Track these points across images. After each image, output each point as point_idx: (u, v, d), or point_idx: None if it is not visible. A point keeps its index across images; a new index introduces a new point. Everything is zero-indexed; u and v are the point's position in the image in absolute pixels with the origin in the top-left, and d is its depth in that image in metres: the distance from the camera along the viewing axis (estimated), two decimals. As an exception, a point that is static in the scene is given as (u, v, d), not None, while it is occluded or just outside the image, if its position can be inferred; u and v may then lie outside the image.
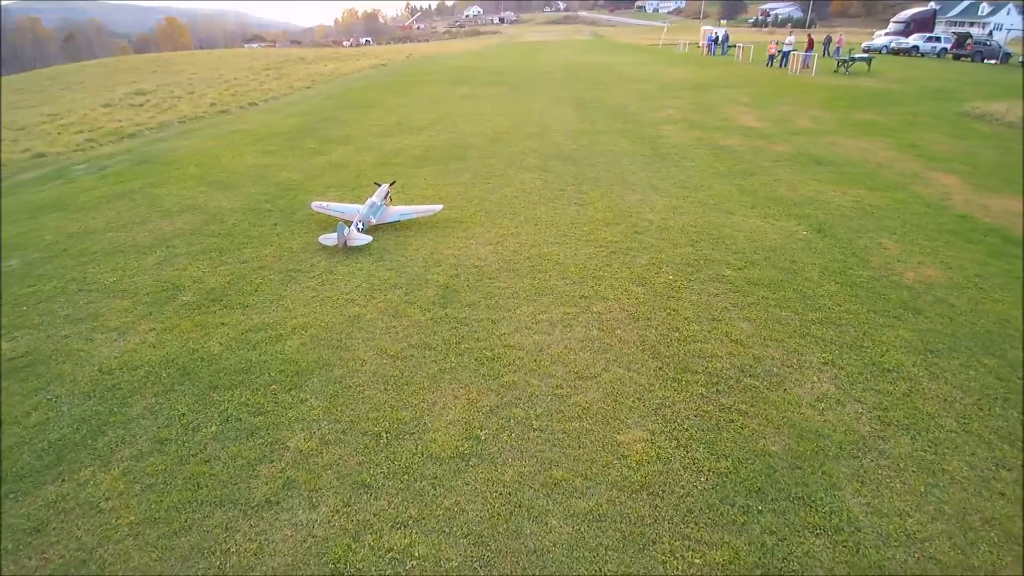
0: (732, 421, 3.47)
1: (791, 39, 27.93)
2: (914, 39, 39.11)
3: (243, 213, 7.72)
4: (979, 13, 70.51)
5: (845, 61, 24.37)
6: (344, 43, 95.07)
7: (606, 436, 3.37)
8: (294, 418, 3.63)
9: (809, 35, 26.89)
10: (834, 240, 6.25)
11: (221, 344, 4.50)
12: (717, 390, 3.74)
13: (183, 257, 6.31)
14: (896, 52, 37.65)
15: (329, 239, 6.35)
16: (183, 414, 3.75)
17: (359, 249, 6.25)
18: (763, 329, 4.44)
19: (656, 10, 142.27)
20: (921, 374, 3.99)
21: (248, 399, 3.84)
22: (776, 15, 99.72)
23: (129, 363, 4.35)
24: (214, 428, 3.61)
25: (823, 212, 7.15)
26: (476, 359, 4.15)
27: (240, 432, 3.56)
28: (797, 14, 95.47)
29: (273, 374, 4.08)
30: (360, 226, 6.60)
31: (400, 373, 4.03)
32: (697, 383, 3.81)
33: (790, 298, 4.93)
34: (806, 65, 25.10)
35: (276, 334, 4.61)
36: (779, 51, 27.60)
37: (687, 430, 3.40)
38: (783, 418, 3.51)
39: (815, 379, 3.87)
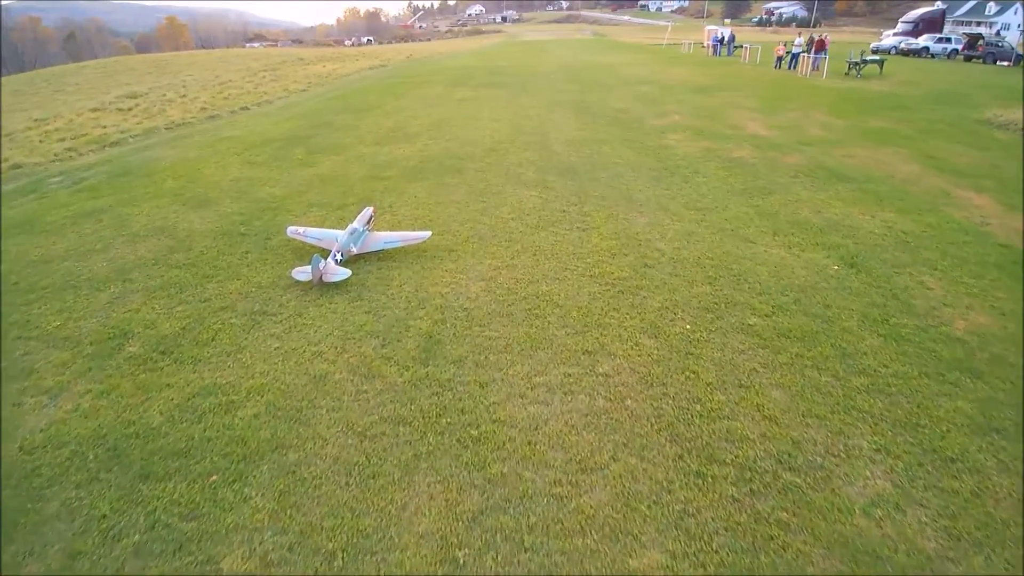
0: (772, 538, 2.79)
1: (800, 40, 27.17)
2: (924, 40, 38.28)
3: (214, 237, 7.06)
4: (986, 13, 69.47)
5: (857, 63, 23.60)
6: (346, 42, 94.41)
7: (615, 560, 2.70)
8: (233, 525, 2.97)
9: (822, 36, 26.10)
10: (869, 277, 5.56)
11: (162, 414, 3.84)
12: (751, 490, 3.07)
13: (139, 294, 5.65)
14: (906, 53, 36.82)
15: (303, 273, 5.62)
16: (104, 515, 3.09)
17: (336, 285, 5.59)
18: (800, 400, 3.76)
19: (659, 9, 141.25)
20: (989, 464, 3.31)
21: (182, 494, 3.18)
22: (780, 14, 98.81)
23: (55, 438, 3.69)
24: (137, 537, 2.95)
25: (852, 240, 6.46)
26: (458, 440, 3.49)
27: (166, 544, 2.90)
28: (801, 13, 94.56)
29: (216, 459, 3.42)
30: (339, 257, 5.93)
31: (367, 459, 3.37)
32: (726, 479, 3.13)
33: (828, 356, 4.25)
34: (815, 67, 24.33)
35: (227, 400, 3.95)
36: (788, 52, 26.84)
37: (716, 552, 2.73)
38: (833, 532, 2.84)
39: (867, 473, 3.19)
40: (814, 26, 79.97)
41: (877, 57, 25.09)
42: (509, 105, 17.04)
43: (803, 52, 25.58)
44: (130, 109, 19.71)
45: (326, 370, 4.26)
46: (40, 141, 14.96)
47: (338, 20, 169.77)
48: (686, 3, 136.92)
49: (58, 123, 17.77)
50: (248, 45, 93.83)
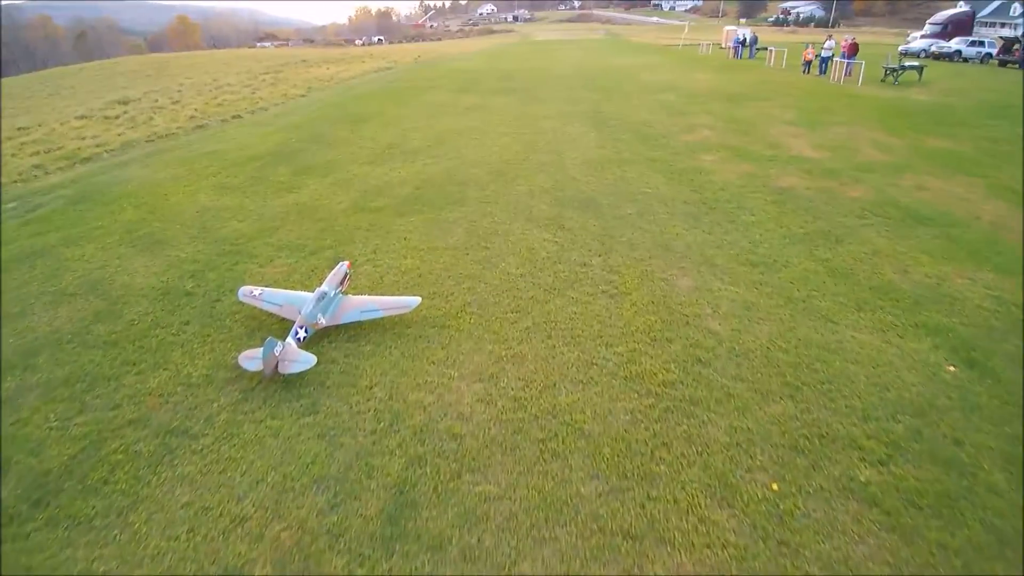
0: None
1: (830, 43, 25.45)
2: (956, 43, 36.29)
3: (153, 298, 5.72)
4: (1011, 14, 66.76)
5: (895, 70, 21.87)
6: (356, 42, 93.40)
7: None
8: None
9: (852, 39, 24.38)
10: (997, 385, 4.07)
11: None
12: None
13: (37, 392, 4.31)
14: (937, 56, 34.85)
15: (253, 361, 4.25)
16: None
17: (293, 379, 4.22)
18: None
19: (672, 8, 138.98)
20: None
21: None
22: (798, 14, 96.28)
23: None
24: None
25: (959, 320, 4.96)
26: None
27: None
28: (819, 13, 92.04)
29: None
30: (302, 334, 4.58)
31: None
32: None
33: (985, 546, 2.80)
34: (848, 73, 22.64)
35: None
36: (817, 56, 25.15)
37: None
38: None
39: None
40: (833, 26, 77.64)
41: (916, 63, 23.32)
42: (520, 115, 15.63)
43: (833, 56, 23.90)
44: (117, 117, 18.57)
45: (244, 558, 2.88)
46: (13, 155, 13.76)
47: (350, 19, 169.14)
48: (700, 2, 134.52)
49: (39, 133, 16.65)
50: (259, 45, 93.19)
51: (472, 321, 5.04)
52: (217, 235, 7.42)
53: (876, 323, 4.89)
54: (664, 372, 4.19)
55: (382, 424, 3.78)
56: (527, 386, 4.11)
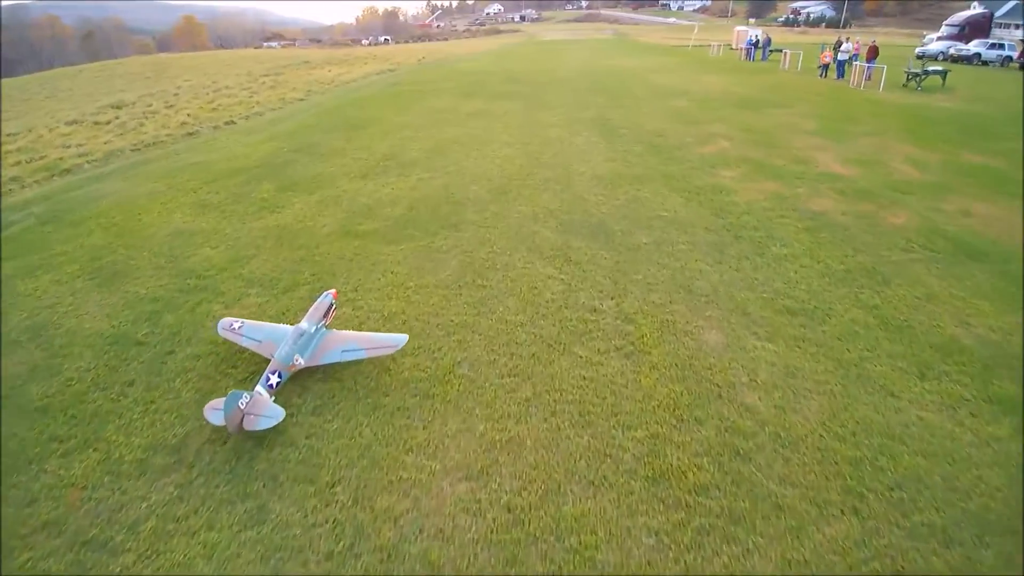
0: None
1: (848, 46, 24.51)
2: (975, 46, 35.18)
3: (99, 349, 4.98)
4: (1025, 15, 65.09)
5: (918, 75, 20.91)
6: (363, 42, 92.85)
7: None
8: None
9: (873, 42, 23.43)
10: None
11: None
12: None
13: (-68, 480, 3.58)
14: (955, 59, 33.72)
15: (216, 414, 3.71)
16: None
17: (257, 437, 3.48)
18: None
19: (680, 8, 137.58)
20: None
21: None
22: (808, 14, 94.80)
23: None
24: None
25: (1044, 390, 4.14)
26: None
27: None
28: (829, 13, 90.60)
29: None
30: (274, 380, 4.02)
31: None
32: None
33: None
34: (868, 77, 21.70)
35: None
36: (834, 59, 24.21)
37: None
38: None
39: None
40: (844, 26, 76.20)
41: (940, 68, 22.30)
42: (525, 122, 14.83)
43: (854, 59, 22.96)
44: (108, 122, 17.95)
45: None
46: (-9, 164, 13.12)
47: (357, 19, 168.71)
48: (708, 2, 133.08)
49: (24, 140, 16.06)
50: (265, 45, 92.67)
51: (461, 388, 4.26)
52: (185, 265, 6.68)
53: (944, 397, 4.07)
54: (695, 471, 3.39)
55: (341, 544, 3.01)
56: (525, 488, 3.33)
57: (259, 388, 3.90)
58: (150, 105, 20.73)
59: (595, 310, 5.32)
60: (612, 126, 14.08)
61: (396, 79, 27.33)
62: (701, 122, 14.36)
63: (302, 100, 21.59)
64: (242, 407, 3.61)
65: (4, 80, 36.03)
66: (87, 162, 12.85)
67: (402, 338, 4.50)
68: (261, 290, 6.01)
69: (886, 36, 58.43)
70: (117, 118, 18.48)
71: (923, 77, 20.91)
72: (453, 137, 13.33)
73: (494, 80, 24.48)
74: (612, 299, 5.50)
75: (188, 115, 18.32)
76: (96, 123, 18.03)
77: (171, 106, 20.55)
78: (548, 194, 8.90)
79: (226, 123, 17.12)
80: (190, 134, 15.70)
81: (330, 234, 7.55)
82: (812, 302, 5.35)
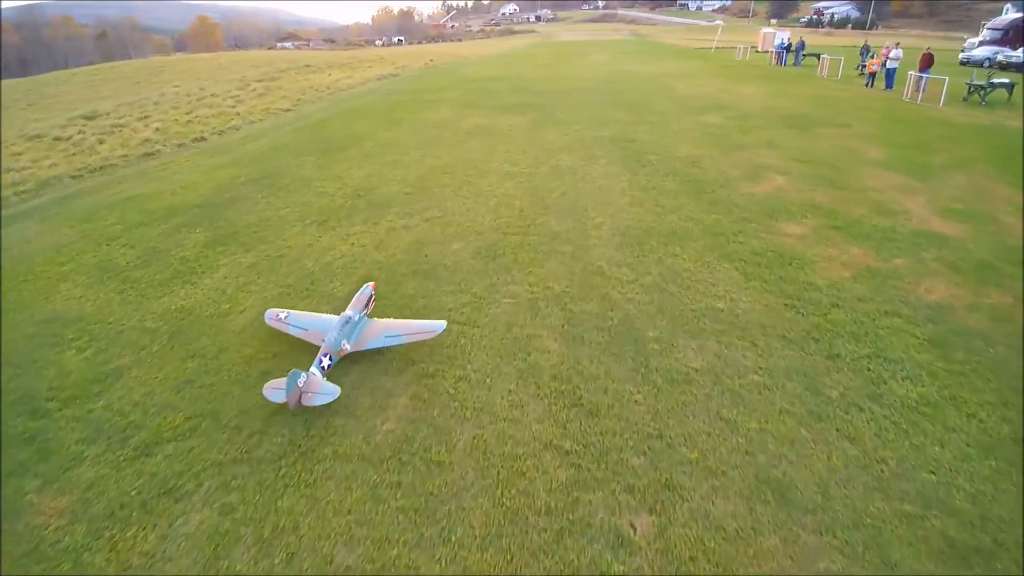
0: None
1: (897, 52, 21.80)
2: (1024, 52, 32.00)
3: None
4: (1071, 17, 61.21)
5: (982, 87, 18.23)
6: (377, 42, 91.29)
7: None
8: None
9: (927, 49, 20.74)
10: None
11: None
12: None
13: None
14: (1004, 66, 30.65)
15: (276, 392, 4.08)
16: None
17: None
18: None
19: (699, 8, 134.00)
20: None
21: None
22: (832, 15, 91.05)
23: None
24: None
25: None
26: None
27: None
28: (855, 14, 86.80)
29: None
30: (326, 363, 4.36)
31: None
32: None
33: None
34: (923, 88, 19.04)
35: None
36: (883, 67, 21.57)
37: None
38: None
39: None
40: (870, 27, 72.60)
41: (1007, 79, 19.54)
42: (532, 143, 12.56)
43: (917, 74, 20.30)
44: (69, 138, 16.04)
45: None
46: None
47: (372, 19, 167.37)
48: (728, 2, 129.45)
49: (-32, 158, 14.16)
50: (280, 45, 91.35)
51: None
52: (25, 388, 4.55)
53: None
54: None
55: None
56: None
57: (313, 369, 4.23)
58: (122, 117, 18.81)
59: (621, 539, 3.04)
60: (635, 150, 11.76)
61: (395, 86, 25.22)
62: (744, 147, 11.96)
63: (288, 111, 19.56)
64: (300, 386, 3.93)
65: (10, 80, 34.59)
66: (15, 193, 10.88)
67: (440, 324, 4.82)
68: (105, 448, 3.84)
69: (916, 39, 54.99)
70: (80, 133, 16.54)
71: (988, 90, 18.24)
72: (444, 164, 11.13)
73: (500, 89, 22.21)
74: (651, 513, 3.22)
75: (157, 129, 16.38)
76: (56, 139, 16.12)
77: (144, 117, 18.64)
78: (553, 261, 6.65)
79: (195, 140, 15.13)
80: (148, 154, 13.71)
81: (243, 330, 5.37)
82: (988, 529, 3.01)
